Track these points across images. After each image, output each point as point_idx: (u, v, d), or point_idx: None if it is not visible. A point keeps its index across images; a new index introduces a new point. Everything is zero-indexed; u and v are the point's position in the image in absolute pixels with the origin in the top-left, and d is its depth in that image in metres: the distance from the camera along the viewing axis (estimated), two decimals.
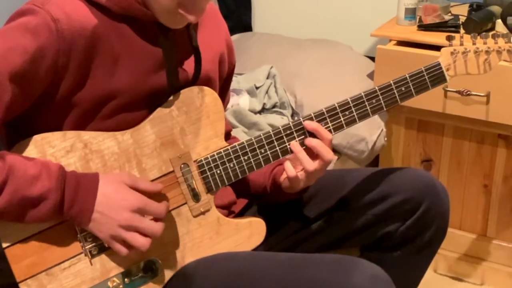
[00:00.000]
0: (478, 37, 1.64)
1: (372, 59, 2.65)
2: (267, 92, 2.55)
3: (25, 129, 1.37)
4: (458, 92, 2.28)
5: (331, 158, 1.53)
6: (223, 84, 1.69)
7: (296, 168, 1.54)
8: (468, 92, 2.26)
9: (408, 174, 1.67)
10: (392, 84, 1.58)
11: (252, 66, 2.68)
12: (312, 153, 1.53)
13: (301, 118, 1.53)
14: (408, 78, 1.58)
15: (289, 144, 1.53)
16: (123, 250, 1.35)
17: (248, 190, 1.70)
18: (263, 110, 2.53)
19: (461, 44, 1.63)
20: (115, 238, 1.34)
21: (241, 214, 1.72)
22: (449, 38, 1.66)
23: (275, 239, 1.70)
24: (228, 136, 1.76)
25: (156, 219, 1.37)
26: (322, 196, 1.70)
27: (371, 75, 2.62)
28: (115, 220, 1.32)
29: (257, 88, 2.54)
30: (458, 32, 2.40)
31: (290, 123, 1.53)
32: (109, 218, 1.32)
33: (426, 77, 1.60)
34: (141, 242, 1.34)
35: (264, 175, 1.65)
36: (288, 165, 1.55)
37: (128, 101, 1.41)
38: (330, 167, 2.30)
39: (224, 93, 1.71)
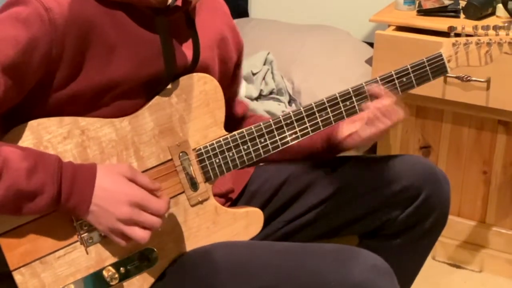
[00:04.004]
0: (480, 28, 1.64)
1: (371, 44, 2.63)
2: (264, 78, 2.54)
3: (21, 120, 1.34)
4: (458, 77, 2.26)
5: (402, 116, 1.56)
6: (235, 67, 1.67)
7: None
8: (468, 78, 2.25)
9: (408, 161, 1.66)
10: (394, 75, 1.57)
11: (248, 52, 2.65)
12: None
13: (301, 107, 1.52)
14: (409, 68, 1.58)
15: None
16: (122, 242, 1.33)
17: (296, 157, 1.71)
18: (260, 96, 2.52)
19: (463, 30, 1.62)
20: (113, 231, 1.32)
21: (236, 200, 1.71)
22: (451, 29, 1.66)
23: (272, 228, 1.69)
24: (244, 117, 1.76)
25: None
26: (320, 184, 1.69)
27: (369, 61, 2.60)
28: (114, 214, 1.30)
29: (254, 74, 2.53)
30: (458, 17, 2.38)
31: (291, 113, 1.52)
32: (107, 212, 1.30)
33: (428, 68, 1.60)
34: (140, 235, 1.32)
35: (316, 138, 1.66)
36: (363, 125, 1.56)
37: (126, 89, 1.39)
38: None
39: (236, 75, 1.70)
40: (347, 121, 1.59)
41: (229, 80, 1.65)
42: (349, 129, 1.61)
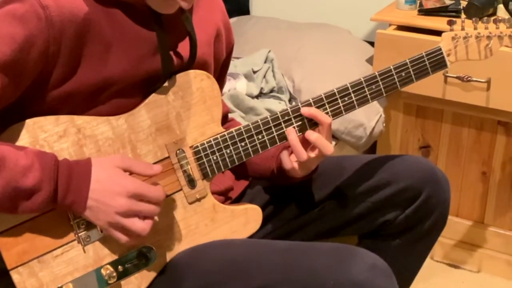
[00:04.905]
0: (480, 22, 1.62)
1: (371, 43, 2.63)
2: (264, 76, 2.53)
3: (17, 118, 1.33)
4: (459, 77, 2.26)
5: (330, 152, 1.50)
6: (222, 65, 1.66)
7: (292, 157, 1.52)
8: (469, 78, 2.24)
9: (408, 162, 1.66)
10: (392, 69, 1.56)
11: (249, 50, 2.66)
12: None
13: (299, 104, 1.51)
14: (408, 63, 1.56)
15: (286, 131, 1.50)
16: (122, 237, 1.33)
17: (254, 173, 1.68)
18: (260, 94, 2.51)
19: (462, 29, 1.61)
20: (113, 225, 1.31)
21: (237, 200, 1.70)
22: (450, 23, 1.64)
23: (271, 226, 1.69)
24: (225, 118, 1.74)
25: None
26: (320, 183, 1.68)
27: (370, 60, 2.60)
28: (112, 207, 1.30)
29: (254, 72, 2.52)
30: (459, 16, 2.38)
31: (288, 108, 1.50)
32: (105, 206, 1.30)
33: (427, 62, 1.58)
34: (141, 226, 1.32)
35: (271, 158, 1.62)
36: (284, 156, 1.53)
37: (123, 87, 1.38)
38: None
39: (222, 75, 1.69)
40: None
41: (216, 78, 1.64)
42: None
